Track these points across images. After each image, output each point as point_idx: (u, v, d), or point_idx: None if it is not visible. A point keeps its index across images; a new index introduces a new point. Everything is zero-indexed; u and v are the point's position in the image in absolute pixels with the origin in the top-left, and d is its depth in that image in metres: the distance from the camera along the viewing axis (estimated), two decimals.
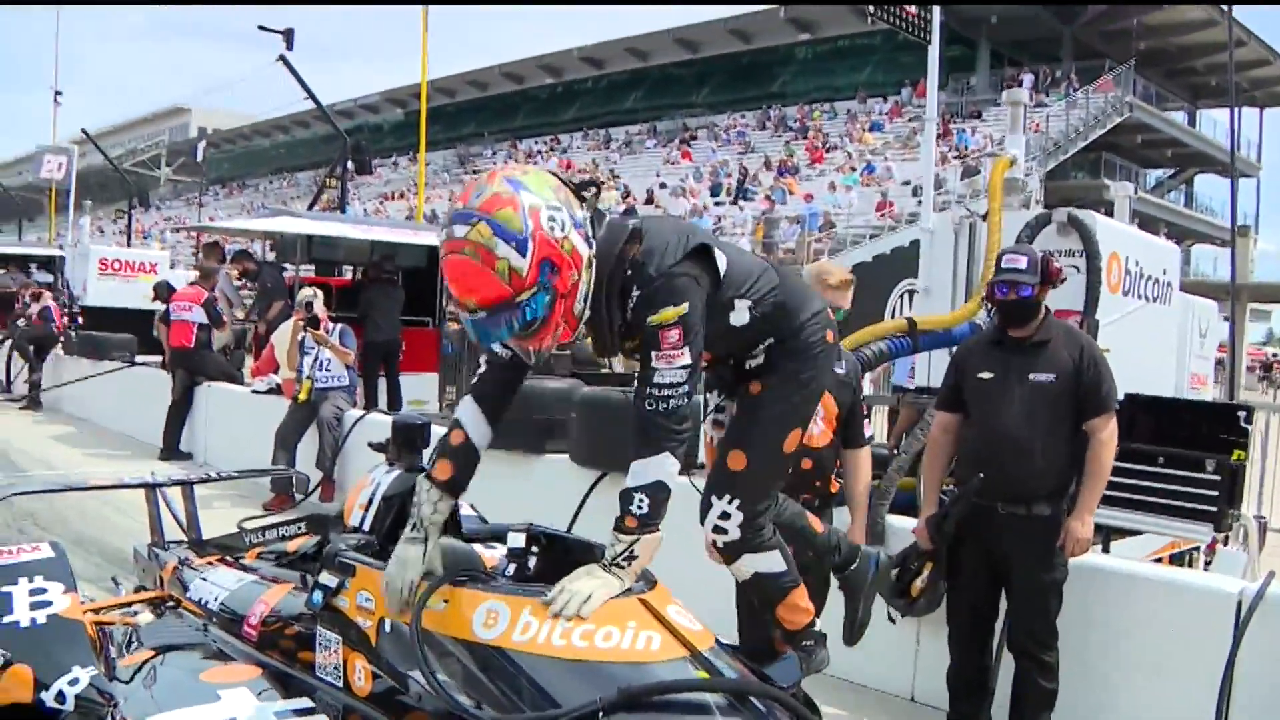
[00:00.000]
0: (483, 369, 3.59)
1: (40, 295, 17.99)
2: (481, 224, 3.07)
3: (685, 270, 3.39)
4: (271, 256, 15.96)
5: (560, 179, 3.30)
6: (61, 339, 17.46)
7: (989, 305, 5.52)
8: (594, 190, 3.41)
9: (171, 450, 13.13)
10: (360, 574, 3.59)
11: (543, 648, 3.12)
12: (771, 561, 3.89)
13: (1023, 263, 5.20)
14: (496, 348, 3.49)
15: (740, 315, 3.62)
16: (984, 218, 7.17)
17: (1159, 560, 7.58)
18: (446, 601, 3.30)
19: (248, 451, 10.62)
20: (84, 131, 35.99)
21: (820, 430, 5.07)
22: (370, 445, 4.57)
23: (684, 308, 3.34)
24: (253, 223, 19.10)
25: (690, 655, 3.19)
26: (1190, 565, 8.32)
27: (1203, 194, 56.30)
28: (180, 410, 13.35)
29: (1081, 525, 5.13)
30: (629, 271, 3.35)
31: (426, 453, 3.97)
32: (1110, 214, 8.56)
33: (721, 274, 3.51)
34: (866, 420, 5.28)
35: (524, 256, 3.08)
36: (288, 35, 21.79)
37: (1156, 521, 6.28)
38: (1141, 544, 7.14)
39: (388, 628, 3.44)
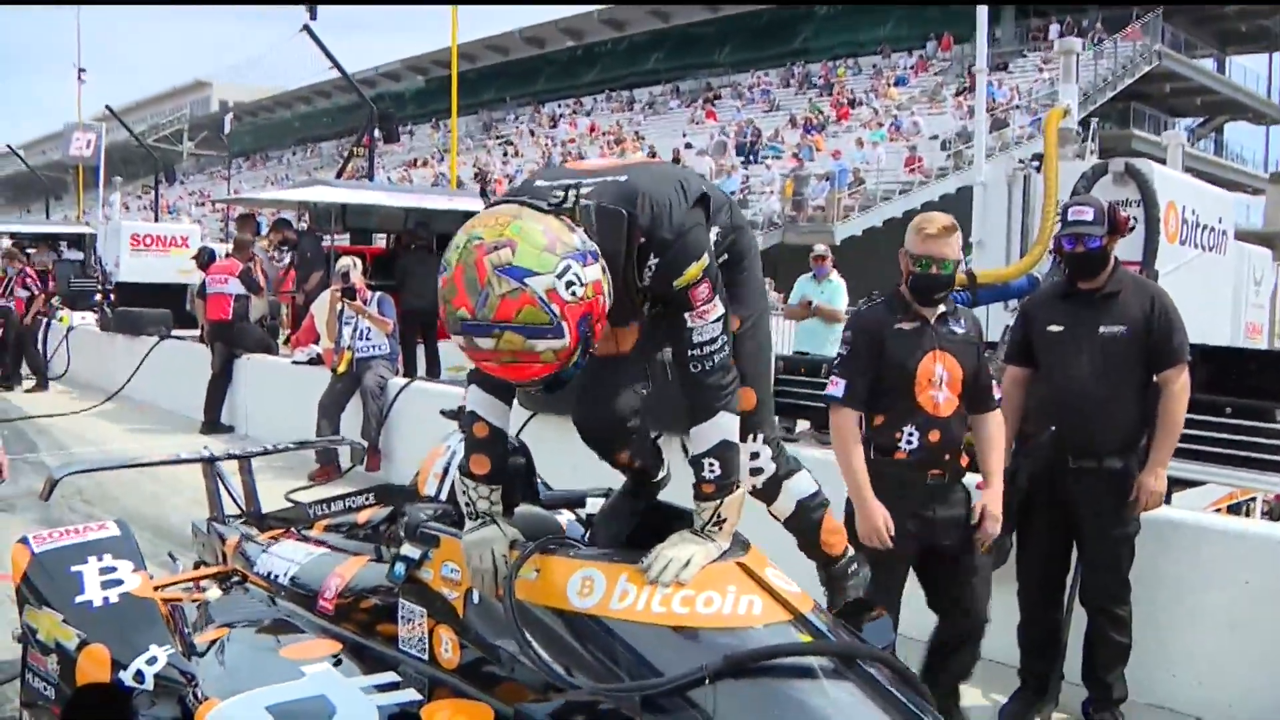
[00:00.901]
0: None
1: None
2: (508, 334, 2.84)
3: (695, 220, 3.26)
4: (303, 227, 15.94)
5: (532, 207, 2.98)
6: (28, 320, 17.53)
7: (1057, 258, 5.43)
8: (563, 195, 3.10)
9: (213, 424, 13.16)
10: (444, 545, 3.54)
11: (642, 615, 3.06)
12: (804, 483, 4.12)
13: (1089, 214, 5.10)
14: None
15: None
16: (1038, 169, 7.06)
17: (1217, 512, 7.50)
18: (538, 571, 3.25)
19: (290, 423, 10.62)
20: (108, 108, 35.92)
21: (945, 397, 4.68)
22: (443, 413, 4.53)
23: (705, 259, 3.21)
24: (286, 193, 19.07)
25: (793, 618, 3.12)
26: (1246, 516, 8.26)
27: (1233, 142, 55.80)
28: (220, 383, 13.36)
29: (1155, 479, 5.06)
30: (642, 242, 3.17)
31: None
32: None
33: (712, 211, 3.42)
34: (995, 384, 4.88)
35: (563, 337, 2.87)
36: (312, 4, 21.64)
37: (1226, 473, 6.18)
38: (1201, 495, 7.06)
39: (476, 599, 3.39)
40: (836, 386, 4.78)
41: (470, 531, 3.36)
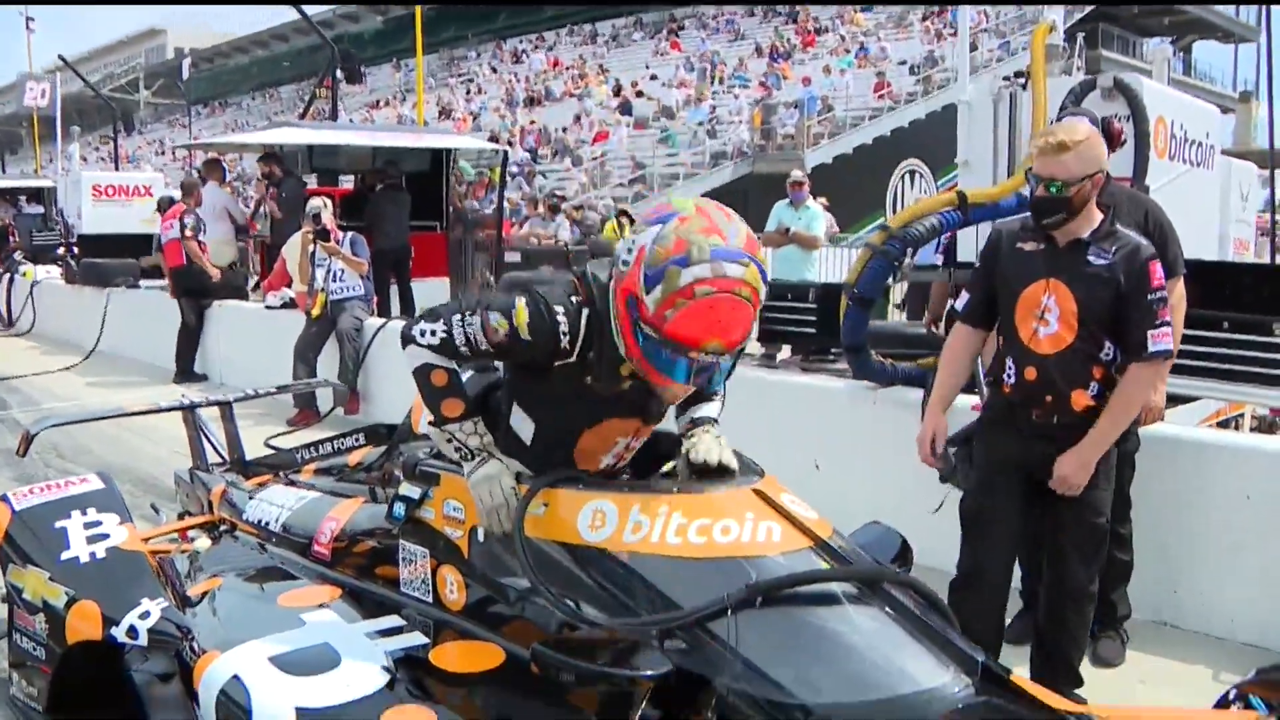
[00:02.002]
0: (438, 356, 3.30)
1: None
2: (753, 266, 2.93)
3: None
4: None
5: None
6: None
7: None
8: None
9: (186, 373, 13.03)
10: (445, 482, 3.46)
11: (657, 547, 2.99)
12: None
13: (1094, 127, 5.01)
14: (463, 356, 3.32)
15: None
16: (1024, 86, 6.96)
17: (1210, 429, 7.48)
18: (546, 506, 3.18)
19: (265, 370, 10.52)
20: (61, 58, 35.41)
21: (1049, 332, 4.19)
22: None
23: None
24: (250, 136, 18.91)
25: (813, 545, 3.06)
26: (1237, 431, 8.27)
27: (1202, 61, 55.76)
28: (191, 332, 13.20)
29: (1154, 394, 5.01)
30: None
31: None
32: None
33: None
34: (1160, 329, 4.13)
35: (763, 299, 3.02)
36: None
37: (1222, 388, 6.14)
38: (1192, 412, 7.03)
39: (480, 537, 3.32)
40: (961, 299, 4.61)
41: (473, 469, 3.27)
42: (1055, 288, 4.19)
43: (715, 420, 3.49)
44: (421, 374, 3.30)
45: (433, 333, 3.25)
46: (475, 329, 3.19)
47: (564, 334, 3.14)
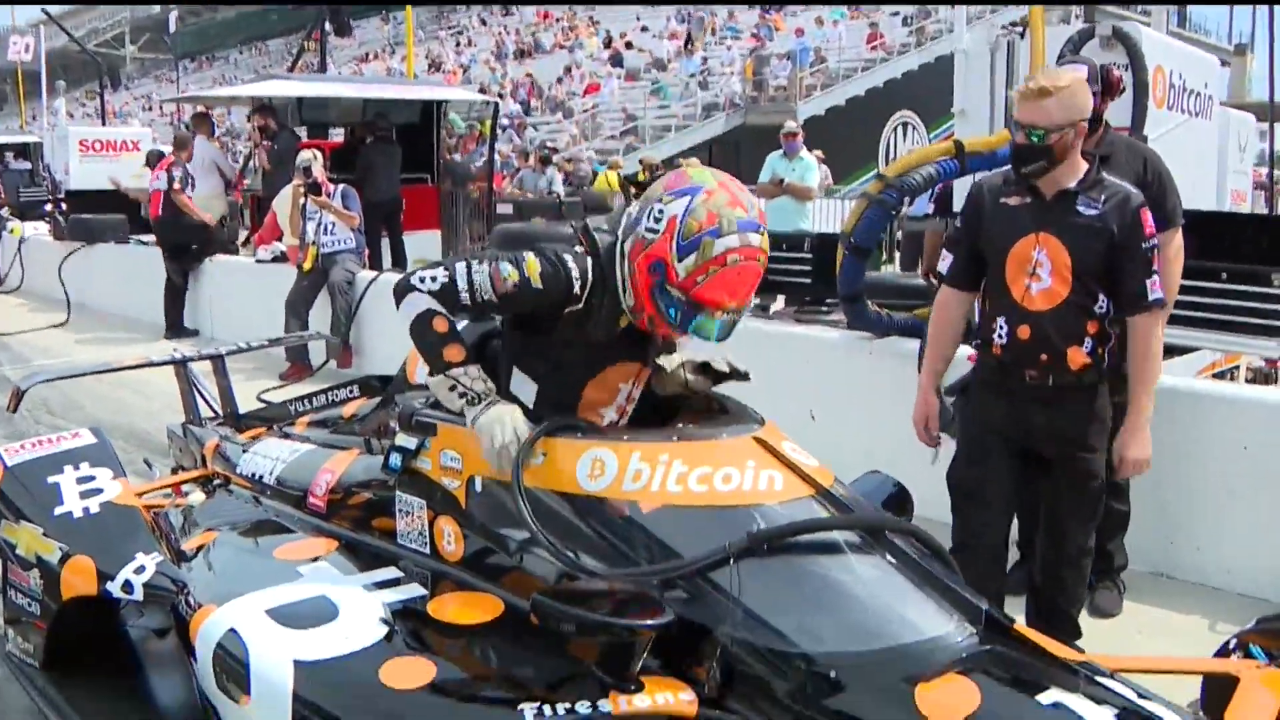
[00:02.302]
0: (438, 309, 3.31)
1: None
2: (765, 234, 3.22)
3: None
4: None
5: None
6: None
7: None
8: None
9: (176, 328, 12.98)
10: (443, 432, 3.43)
11: (657, 496, 2.98)
12: None
13: (1082, 74, 4.96)
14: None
15: None
16: (1023, 35, 6.92)
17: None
18: (544, 455, 3.16)
19: (257, 324, 10.41)
20: (46, 12, 35.14)
21: (1042, 288, 4.05)
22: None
23: None
24: (239, 89, 18.79)
25: (815, 493, 3.06)
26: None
27: (1197, 13, 55.42)
28: (177, 289, 13.15)
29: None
30: None
31: None
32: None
33: None
34: (1154, 278, 4.04)
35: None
36: None
37: (1219, 338, 6.13)
38: (1188, 363, 7.01)
39: (478, 486, 3.30)
40: (945, 261, 4.49)
41: (480, 412, 3.23)
42: (1046, 241, 4.06)
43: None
44: (421, 322, 3.28)
45: (434, 279, 3.27)
46: (483, 277, 3.26)
47: (576, 279, 3.29)
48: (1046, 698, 2.55)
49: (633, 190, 16.39)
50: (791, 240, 8.30)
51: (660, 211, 3.20)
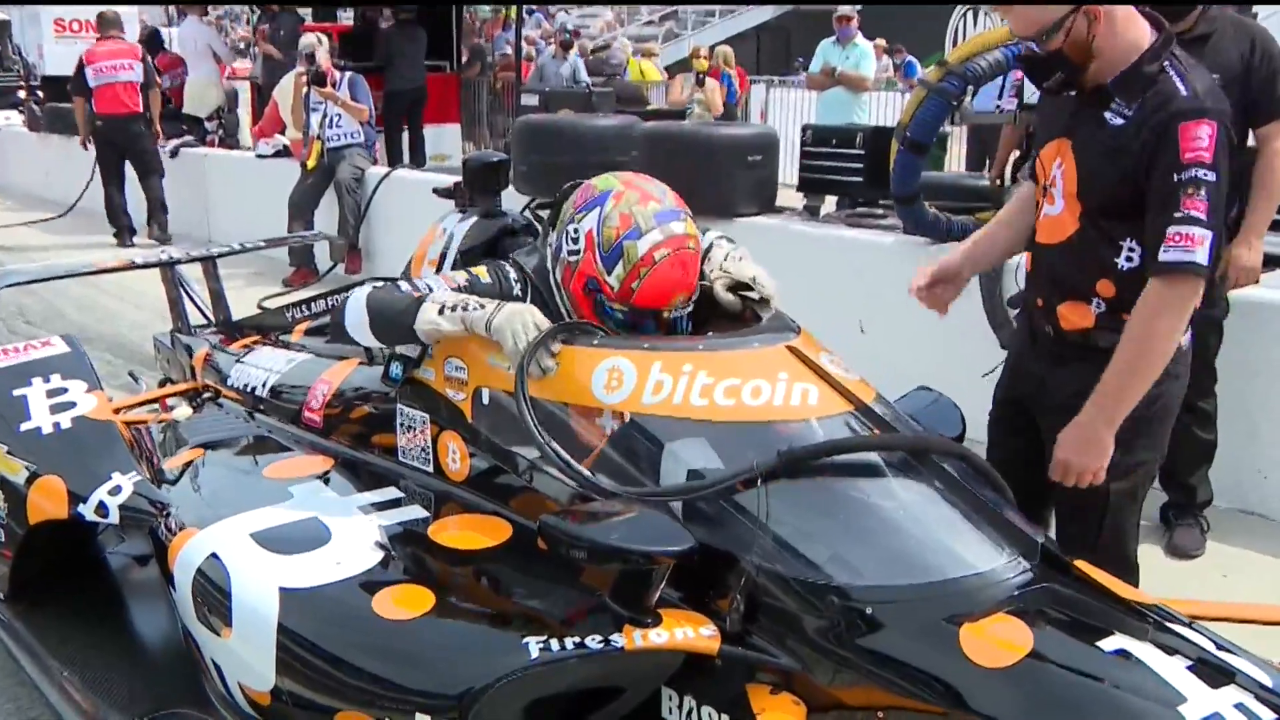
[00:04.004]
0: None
1: None
2: (688, 219, 3.31)
3: None
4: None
5: None
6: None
7: None
8: None
9: (130, 231, 13.09)
10: (446, 338, 3.40)
11: (680, 409, 2.93)
12: None
13: None
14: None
15: None
16: None
17: None
18: (557, 363, 3.12)
19: (257, 224, 10.38)
20: None
21: (1055, 211, 3.37)
22: (435, 191, 4.37)
23: None
24: None
25: (854, 409, 3.01)
26: None
27: None
28: (118, 183, 13.21)
29: (1249, 251, 4.84)
30: None
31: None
32: None
33: None
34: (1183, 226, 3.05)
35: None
36: None
37: None
38: None
39: (485, 399, 3.27)
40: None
41: (493, 314, 3.19)
42: (1065, 152, 3.34)
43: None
44: (376, 300, 3.40)
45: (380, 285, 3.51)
46: (432, 280, 3.46)
47: (515, 281, 3.49)
48: (1109, 644, 2.48)
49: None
50: (842, 135, 8.20)
51: (576, 231, 3.30)
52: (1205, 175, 3.02)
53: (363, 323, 3.38)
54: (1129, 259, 3.23)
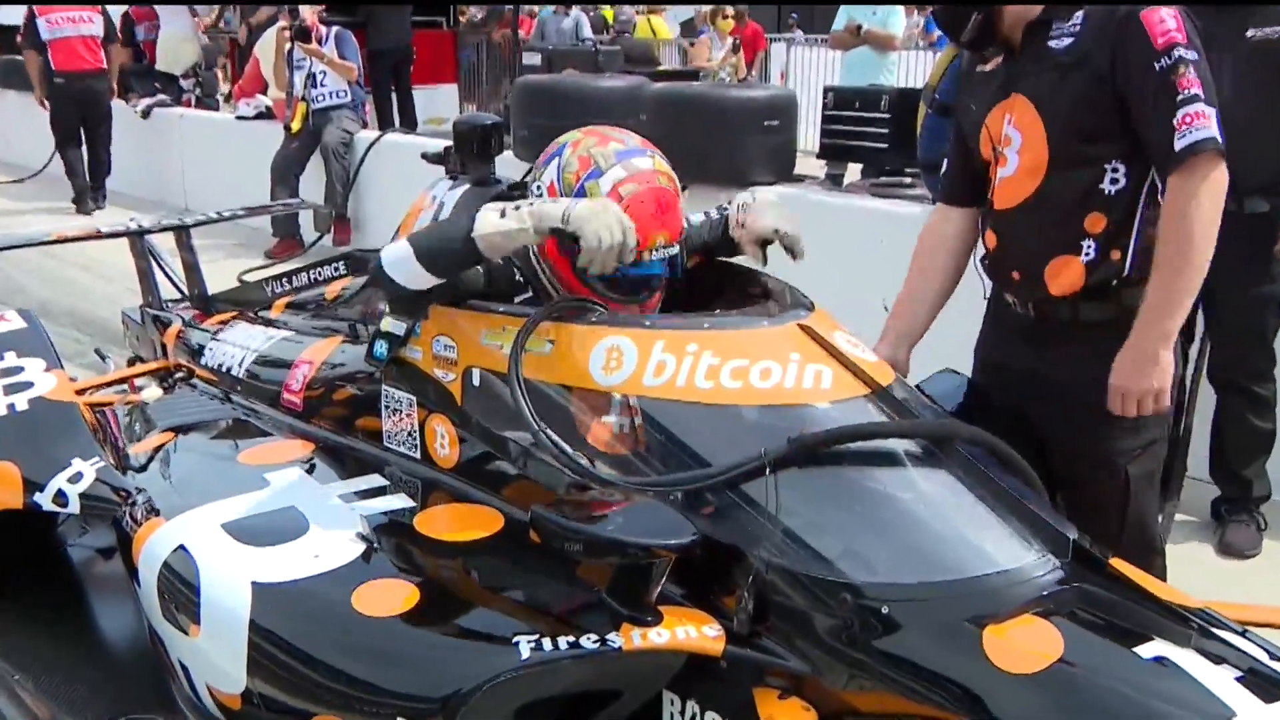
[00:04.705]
0: None
1: None
2: (657, 156, 3.30)
3: None
4: None
5: None
6: None
7: None
8: None
9: (94, 195, 13.09)
10: (435, 316, 3.39)
11: (684, 392, 2.92)
12: None
13: None
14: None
15: None
16: None
17: None
18: (552, 343, 3.12)
19: (238, 191, 10.40)
20: None
21: (1006, 175, 3.41)
22: (424, 156, 4.35)
23: None
24: None
25: (871, 392, 3.00)
26: None
27: None
28: (75, 151, 13.19)
29: None
30: None
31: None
32: None
33: None
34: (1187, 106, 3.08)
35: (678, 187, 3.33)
36: None
37: None
38: None
39: (476, 380, 3.27)
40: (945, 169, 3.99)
41: (571, 207, 3.09)
42: (1015, 105, 3.34)
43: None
44: (425, 236, 3.32)
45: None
46: None
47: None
48: (1147, 650, 2.44)
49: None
50: (867, 98, 8.16)
51: (539, 189, 3.31)
52: (1187, 54, 3.07)
53: (408, 255, 3.20)
54: (1114, 180, 3.24)
